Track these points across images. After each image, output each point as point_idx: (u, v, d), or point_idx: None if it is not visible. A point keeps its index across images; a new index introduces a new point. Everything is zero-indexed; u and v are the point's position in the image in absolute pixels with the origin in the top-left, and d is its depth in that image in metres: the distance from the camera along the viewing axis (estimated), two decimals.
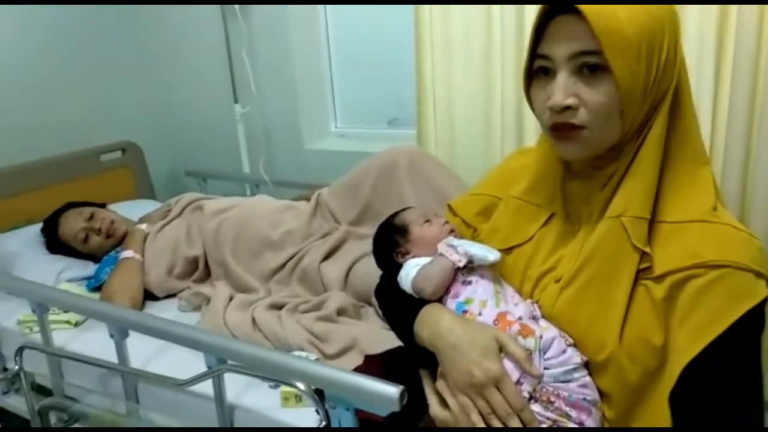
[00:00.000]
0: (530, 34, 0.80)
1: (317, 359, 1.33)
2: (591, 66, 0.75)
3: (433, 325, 0.86)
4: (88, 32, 2.53)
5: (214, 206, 1.93)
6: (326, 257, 1.70)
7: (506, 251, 0.93)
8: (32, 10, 2.32)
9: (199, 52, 2.68)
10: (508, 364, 0.80)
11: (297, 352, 1.36)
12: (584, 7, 0.72)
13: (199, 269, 1.86)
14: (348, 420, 1.02)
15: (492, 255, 0.89)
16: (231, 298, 1.65)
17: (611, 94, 0.75)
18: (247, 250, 1.79)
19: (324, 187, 1.94)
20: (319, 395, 1.03)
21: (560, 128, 0.79)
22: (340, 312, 1.49)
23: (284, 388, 1.25)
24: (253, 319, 1.51)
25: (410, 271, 0.94)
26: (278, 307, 1.56)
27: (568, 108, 0.76)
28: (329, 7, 2.57)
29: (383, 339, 1.30)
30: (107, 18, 2.59)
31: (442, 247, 0.93)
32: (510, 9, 1.84)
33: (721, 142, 1.68)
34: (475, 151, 2.08)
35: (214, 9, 2.49)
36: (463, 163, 2.06)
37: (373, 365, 1.24)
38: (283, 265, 1.74)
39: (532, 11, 1.80)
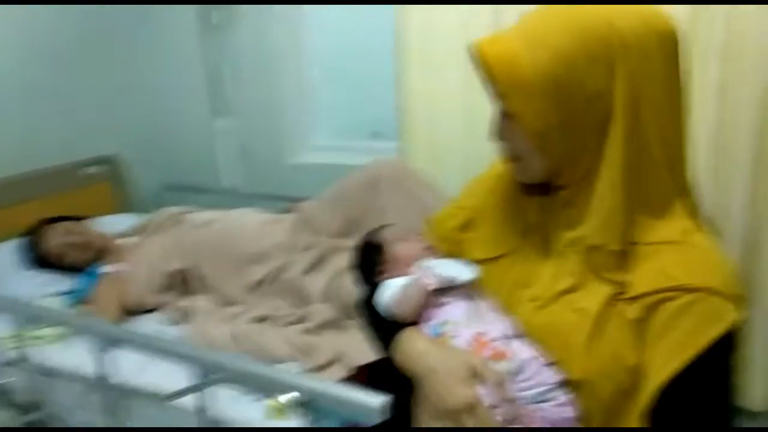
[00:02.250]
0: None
1: (302, 372, 1.33)
2: (503, 111, 0.82)
3: (409, 350, 0.86)
4: (68, 46, 2.52)
5: (196, 220, 1.94)
6: (309, 270, 1.71)
7: (487, 261, 0.94)
8: (12, 23, 2.31)
9: (179, 67, 2.68)
10: (482, 389, 0.79)
11: (281, 365, 1.36)
12: (489, 57, 0.77)
13: (181, 283, 1.85)
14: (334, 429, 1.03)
15: (465, 275, 0.89)
16: (213, 312, 1.64)
17: (523, 136, 0.80)
18: (229, 264, 1.80)
19: (307, 201, 1.95)
20: (305, 407, 1.04)
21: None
22: (324, 325, 1.50)
23: (271, 401, 1.25)
24: (236, 333, 1.51)
25: (385, 294, 0.94)
26: (261, 320, 1.57)
27: (500, 141, 0.85)
28: (312, 20, 2.59)
29: (367, 350, 1.31)
30: (87, 32, 2.58)
31: (414, 271, 0.92)
32: (487, 20, 1.88)
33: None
34: (457, 163, 2.10)
35: (194, 22, 2.50)
36: (445, 176, 2.08)
37: (358, 376, 1.25)
38: (266, 278, 1.75)
39: (510, 22, 1.84)
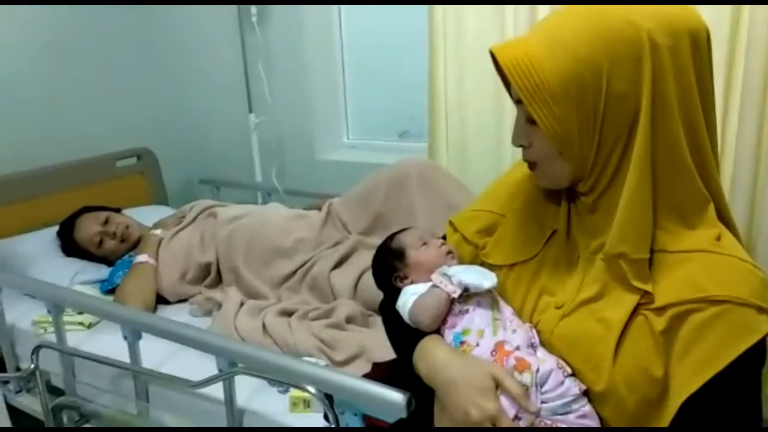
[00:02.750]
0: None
1: (326, 365, 1.35)
2: (528, 117, 0.80)
3: (431, 360, 0.85)
4: (106, 40, 2.58)
5: (228, 214, 1.96)
6: (336, 266, 1.72)
7: (510, 267, 0.93)
8: (53, 17, 2.38)
9: (216, 63, 2.73)
10: (504, 401, 0.79)
11: (306, 358, 1.38)
12: (509, 66, 0.76)
13: (211, 275, 1.88)
14: (356, 425, 1.05)
15: (487, 282, 0.87)
16: (242, 304, 1.67)
17: (544, 141, 0.79)
18: (259, 257, 1.82)
19: (335, 197, 1.97)
20: (329, 400, 1.05)
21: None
22: (349, 320, 1.52)
23: (293, 393, 1.27)
24: (264, 325, 1.53)
25: (407, 301, 0.93)
26: (288, 313, 1.59)
27: (522, 145, 0.84)
28: (344, 19, 2.62)
29: (391, 347, 1.31)
30: (126, 27, 2.65)
31: (436, 278, 0.90)
32: (523, 20, 1.87)
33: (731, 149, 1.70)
34: (485, 164, 2.10)
35: (232, 20, 2.55)
36: (473, 176, 2.09)
37: (381, 372, 1.25)
38: (294, 273, 1.77)
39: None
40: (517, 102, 0.81)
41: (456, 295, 0.88)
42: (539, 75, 0.74)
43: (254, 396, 1.31)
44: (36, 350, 1.31)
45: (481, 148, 2.09)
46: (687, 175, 0.77)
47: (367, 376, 1.27)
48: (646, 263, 0.77)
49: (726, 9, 1.61)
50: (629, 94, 0.73)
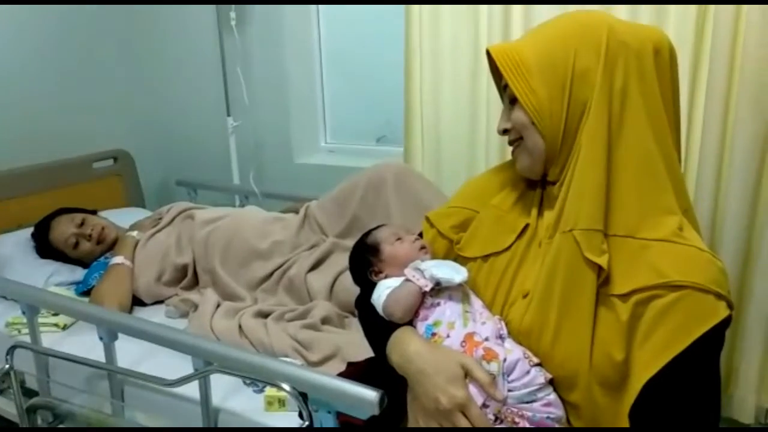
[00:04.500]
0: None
1: (301, 365, 1.37)
2: (511, 97, 0.90)
3: (403, 350, 0.89)
4: (84, 42, 2.57)
5: (205, 216, 1.97)
6: (313, 268, 1.74)
7: (483, 259, 0.97)
8: (29, 17, 2.36)
9: (195, 65, 2.74)
10: (473, 389, 0.83)
11: (282, 359, 1.40)
12: (493, 49, 0.90)
13: (188, 277, 1.89)
14: (329, 423, 1.07)
15: (458, 276, 0.91)
16: (218, 305, 1.68)
17: (524, 114, 0.88)
18: (236, 259, 1.84)
19: (313, 200, 1.99)
20: (303, 399, 1.08)
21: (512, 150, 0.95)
22: (325, 321, 1.54)
23: (268, 392, 1.29)
24: (240, 326, 1.55)
25: (381, 295, 0.97)
26: (265, 315, 1.60)
27: (507, 131, 0.93)
28: (322, 23, 2.65)
29: (365, 347, 1.34)
30: (104, 28, 2.64)
31: (409, 273, 0.95)
32: (497, 26, 1.92)
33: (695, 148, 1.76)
34: (460, 168, 2.14)
35: (211, 23, 2.56)
36: (448, 180, 2.13)
37: (355, 371, 1.28)
38: (271, 275, 1.79)
39: (518, 29, 1.89)
40: (504, 88, 0.92)
41: (428, 289, 0.92)
42: (519, 54, 0.86)
43: (229, 396, 1.33)
44: (11, 350, 1.31)
45: (455, 153, 2.13)
46: (653, 164, 0.83)
47: (342, 375, 1.30)
48: (600, 236, 0.81)
49: (691, 15, 1.68)
50: (591, 73, 0.83)
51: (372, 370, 1.25)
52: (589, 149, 0.83)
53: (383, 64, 2.43)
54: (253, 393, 1.34)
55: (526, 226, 0.94)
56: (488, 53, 0.92)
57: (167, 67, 2.83)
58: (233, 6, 2.43)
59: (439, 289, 0.94)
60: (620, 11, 1.77)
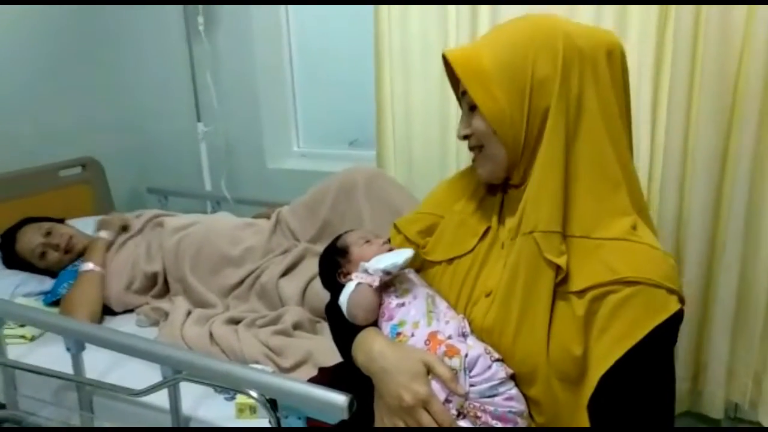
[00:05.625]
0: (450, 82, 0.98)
1: (273, 372, 1.36)
2: (470, 104, 0.90)
3: (367, 350, 0.91)
4: (51, 48, 2.54)
5: (175, 223, 1.96)
6: (284, 273, 1.74)
7: (448, 262, 0.99)
8: None
9: (164, 71, 2.72)
10: (435, 385, 0.85)
11: (253, 365, 1.39)
12: (452, 57, 0.90)
13: (158, 285, 1.87)
14: (299, 428, 1.07)
15: (400, 258, 0.94)
16: (189, 313, 1.67)
17: (482, 121, 0.89)
18: (207, 267, 1.83)
19: (284, 206, 1.99)
20: (273, 405, 1.08)
21: (473, 156, 0.95)
22: (297, 326, 1.54)
23: (239, 399, 1.28)
24: (211, 334, 1.54)
25: (342, 297, 0.99)
26: (236, 321, 1.60)
27: (467, 137, 0.93)
28: (292, 27, 2.64)
29: (337, 352, 1.34)
30: (71, 33, 2.61)
31: (356, 276, 0.97)
32: (465, 30, 1.94)
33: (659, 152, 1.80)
34: (432, 171, 2.16)
35: (179, 28, 2.54)
36: (421, 182, 2.14)
37: (326, 377, 1.28)
38: (242, 281, 1.78)
39: (487, 30, 1.91)
40: (462, 94, 0.92)
41: (376, 284, 0.94)
42: (478, 62, 0.86)
43: (200, 403, 1.32)
44: None
45: (427, 155, 2.15)
46: (608, 166, 0.86)
47: (313, 380, 1.30)
48: (558, 237, 0.84)
49: (653, 15, 1.71)
50: (549, 80, 0.84)
51: (342, 375, 1.26)
52: (548, 155, 0.85)
53: (355, 67, 2.44)
54: (224, 401, 1.34)
55: (488, 229, 0.97)
56: (444, 58, 0.92)
57: (136, 72, 2.80)
58: (201, 7, 2.42)
59: (405, 288, 0.96)
60: (584, 11, 1.81)
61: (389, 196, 1.77)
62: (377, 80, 2.14)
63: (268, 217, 2.01)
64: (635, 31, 1.76)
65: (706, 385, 1.89)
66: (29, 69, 2.47)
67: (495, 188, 0.98)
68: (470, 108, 0.91)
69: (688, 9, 1.62)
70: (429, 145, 2.13)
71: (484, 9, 1.90)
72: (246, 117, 2.61)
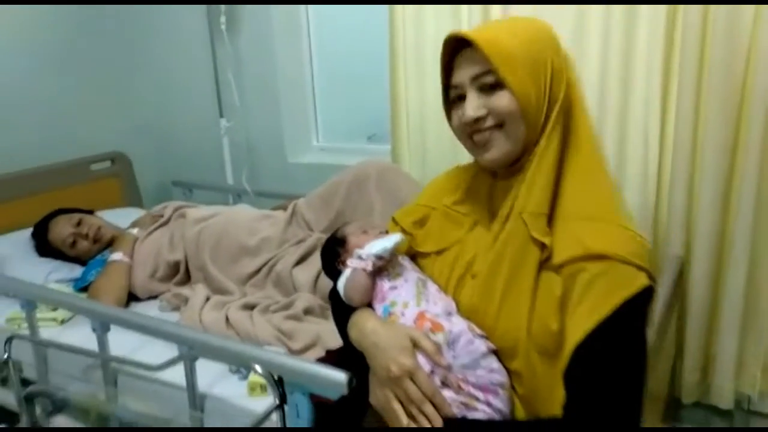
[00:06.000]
0: (441, 71, 0.99)
1: (284, 353, 1.44)
2: (491, 84, 0.92)
3: (360, 328, 0.98)
4: (82, 46, 2.66)
5: (196, 214, 2.05)
6: (298, 262, 1.82)
7: (437, 253, 1.06)
8: (28, 22, 2.45)
9: (188, 70, 2.82)
10: (421, 358, 0.91)
11: (266, 347, 1.47)
12: (475, 37, 0.90)
13: (180, 273, 1.97)
14: (304, 404, 1.14)
15: (390, 242, 1.01)
16: (207, 299, 1.76)
17: (511, 101, 0.91)
18: (226, 256, 1.91)
19: (301, 198, 2.07)
20: (276, 381, 1.15)
21: (480, 139, 0.95)
22: (307, 311, 1.62)
23: (251, 379, 1.36)
24: (227, 318, 1.63)
25: (341, 283, 1.06)
26: (251, 307, 1.68)
27: (479, 120, 0.93)
28: (312, 27, 2.72)
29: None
30: (101, 33, 2.73)
31: (350, 261, 1.05)
32: (477, 21, 1.99)
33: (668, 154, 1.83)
34: (444, 165, 2.17)
35: (202, 29, 2.64)
36: (433, 176, 2.16)
37: (332, 358, 1.35)
38: (259, 270, 1.86)
39: None
40: (474, 79, 0.93)
41: (370, 267, 1.01)
42: (504, 47, 0.90)
43: (216, 382, 1.41)
44: (8, 341, 1.39)
45: (440, 149, 2.20)
46: (588, 156, 0.93)
47: (320, 361, 1.37)
48: (545, 218, 0.90)
49: (662, 10, 1.74)
50: (561, 72, 0.92)
51: (347, 356, 1.33)
52: (548, 142, 0.92)
53: (373, 64, 2.49)
54: (237, 380, 1.42)
55: (476, 223, 1.03)
56: (454, 40, 0.95)
57: (162, 72, 2.91)
58: (223, 8, 2.50)
59: (397, 273, 1.03)
60: (594, 11, 1.84)
61: (399, 189, 1.83)
62: (392, 77, 2.20)
63: (285, 208, 2.09)
64: (644, 29, 1.78)
65: (715, 377, 1.91)
66: (63, 70, 2.60)
67: (482, 181, 1.03)
68: (490, 87, 0.92)
69: (696, 6, 1.65)
70: (441, 140, 2.18)
71: (495, 6, 1.95)
72: (267, 113, 2.70)
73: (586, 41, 1.88)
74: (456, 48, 0.97)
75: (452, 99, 0.99)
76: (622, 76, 1.85)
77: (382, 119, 2.57)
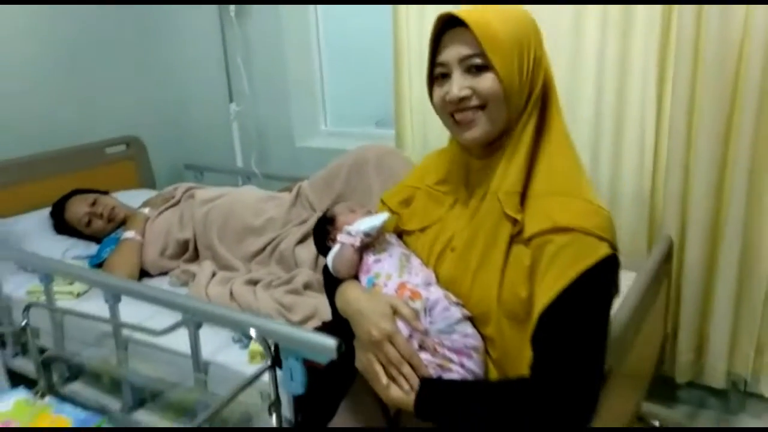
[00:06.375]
0: (429, 47, 1.01)
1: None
2: (477, 66, 0.96)
3: (345, 297, 1.06)
4: (100, 38, 2.75)
5: (204, 195, 2.14)
6: (301, 241, 1.90)
7: (421, 230, 1.13)
8: (44, 11, 2.53)
9: (199, 56, 2.91)
10: (400, 324, 0.99)
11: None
12: (468, 19, 0.94)
13: (189, 251, 2.07)
14: (297, 368, 1.22)
15: (377, 220, 1.08)
16: (213, 275, 1.85)
17: (495, 84, 0.95)
18: (232, 235, 2.00)
19: (305, 180, 2.14)
20: (268, 345, 1.23)
21: (462, 118, 0.99)
22: (307, 286, 1.70)
23: (251, 347, 1.45)
24: (231, 292, 1.71)
25: (330, 257, 1.14)
26: (254, 282, 1.76)
27: (463, 99, 0.97)
28: (320, 14, 2.78)
29: None
30: (117, 25, 2.82)
31: (340, 237, 1.12)
32: None
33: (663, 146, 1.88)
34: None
35: (212, 15, 2.71)
36: None
37: (326, 328, 1.43)
38: (264, 248, 1.95)
39: None
40: (462, 60, 0.97)
41: (358, 243, 1.08)
42: (495, 31, 0.94)
43: (219, 351, 1.50)
44: (27, 308, 1.49)
45: (441, 135, 2.23)
46: (559, 138, 0.99)
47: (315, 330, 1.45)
48: (518, 197, 0.97)
49: (657, 12, 1.79)
50: (539, 61, 0.97)
51: (335, 326, 1.41)
52: (525, 126, 0.98)
53: (381, 51, 2.54)
54: (239, 349, 1.51)
55: (456, 201, 1.10)
56: (445, 19, 0.98)
57: (174, 58, 3.00)
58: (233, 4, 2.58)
59: (382, 248, 1.10)
60: (592, 11, 1.90)
61: (397, 173, 1.89)
62: (396, 64, 2.27)
63: (290, 190, 2.17)
64: (641, 22, 1.84)
65: (708, 357, 1.97)
66: (80, 57, 2.69)
67: (461, 162, 1.09)
68: (477, 68, 0.96)
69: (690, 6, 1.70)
70: (442, 126, 2.23)
71: None
72: (275, 98, 2.77)
73: (584, 33, 1.94)
74: (445, 25, 0.99)
75: (436, 75, 1.02)
76: (619, 67, 1.90)
77: (389, 104, 2.62)
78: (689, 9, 1.69)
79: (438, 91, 1.01)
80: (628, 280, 1.44)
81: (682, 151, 1.82)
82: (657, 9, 1.80)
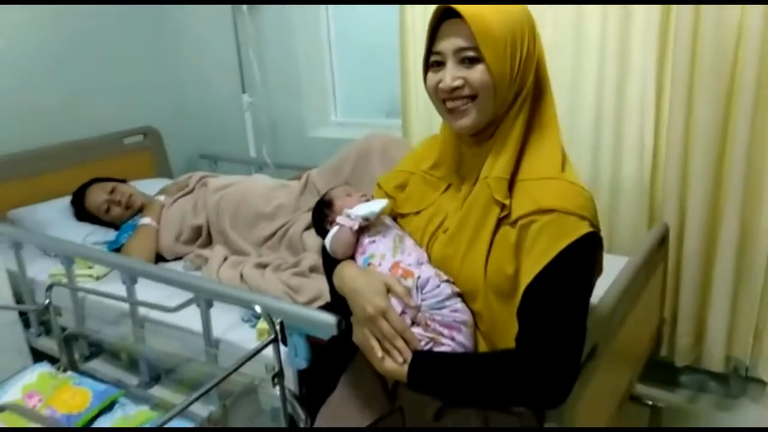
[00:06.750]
0: (426, 35, 1.07)
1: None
2: (470, 58, 1.01)
3: (342, 276, 1.12)
4: (117, 31, 2.84)
5: (217, 183, 2.22)
6: (309, 227, 1.97)
7: (416, 214, 1.19)
8: (69, 9, 2.62)
9: (212, 49, 2.99)
10: (393, 300, 1.05)
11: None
12: (465, 13, 0.99)
13: (203, 236, 2.15)
14: (301, 344, 1.30)
15: (376, 206, 1.14)
16: (225, 259, 1.93)
17: (486, 76, 1.00)
18: (244, 221, 2.08)
19: (314, 169, 2.21)
20: (280, 326, 1.31)
21: (454, 107, 1.04)
22: (312, 269, 1.77)
23: (260, 326, 1.53)
24: (241, 275, 1.79)
25: (328, 238, 1.19)
26: (263, 266, 1.84)
27: (455, 89, 1.01)
28: (331, 7, 2.84)
29: None
30: (134, 18, 2.91)
31: (339, 219, 1.18)
32: None
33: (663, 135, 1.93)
34: None
35: (226, 10, 2.79)
36: None
37: (328, 307, 1.50)
38: (274, 234, 2.03)
39: None
40: (456, 51, 1.02)
41: (356, 227, 1.14)
42: (489, 24, 0.98)
43: (229, 330, 1.59)
44: (50, 287, 1.58)
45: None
46: (550, 127, 1.05)
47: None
48: (506, 182, 1.02)
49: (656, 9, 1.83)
50: (533, 54, 1.02)
51: (335, 306, 1.48)
52: (516, 117, 1.03)
53: (392, 41, 2.58)
54: (248, 328, 1.59)
55: (449, 186, 1.16)
56: (442, 12, 1.02)
57: (188, 51, 3.08)
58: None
59: (376, 230, 1.16)
60: (592, 9, 1.95)
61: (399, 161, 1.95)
62: (402, 53, 2.32)
63: (300, 179, 2.24)
64: (640, 17, 1.88)
65: (707, 342, 2.01)
66: (100, 52, 2.79)
67: (453, 149, 1.15)
68: (470, 60, 1.00)
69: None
70: None
71: None
72: (287, 89, 2.85)
73: (585, 27, 1.98)
74: (443, 14, 1.02)
75: (431, 63, 1.07)
76: (619, 57, 1.94)
77: (397, 96, 2.67)
78: (688, 5, 1.73)
79: (432, 78, 1.06)
80: (621, 264, 1.49)
81: (680, 141, 1.86)
82: (656, 9, 1.84)
